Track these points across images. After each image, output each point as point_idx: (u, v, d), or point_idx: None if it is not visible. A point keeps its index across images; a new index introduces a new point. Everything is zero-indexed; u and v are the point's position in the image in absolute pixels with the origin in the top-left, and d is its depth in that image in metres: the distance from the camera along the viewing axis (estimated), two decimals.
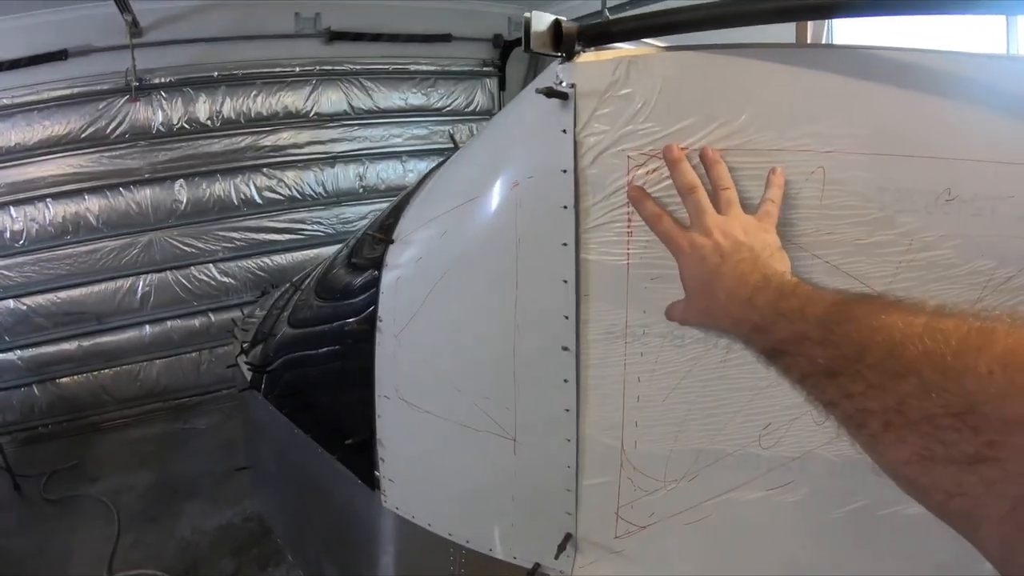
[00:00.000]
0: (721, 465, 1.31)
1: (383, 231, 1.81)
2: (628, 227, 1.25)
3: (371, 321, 1.70)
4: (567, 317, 1.31)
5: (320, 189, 5.23)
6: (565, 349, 1.32)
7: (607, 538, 1.43)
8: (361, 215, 5.30)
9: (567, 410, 1.36)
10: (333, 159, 5.24)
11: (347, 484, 1.94)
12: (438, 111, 5.45)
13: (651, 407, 1.31)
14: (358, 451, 1.85)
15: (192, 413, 5.13)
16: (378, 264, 1.71)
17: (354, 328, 1.93)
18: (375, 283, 1.71)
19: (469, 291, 1.50)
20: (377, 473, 1.76)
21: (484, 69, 5.60)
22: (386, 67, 5.15)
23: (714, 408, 1.28)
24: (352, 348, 1.95)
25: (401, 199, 2.01)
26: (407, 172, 5.41)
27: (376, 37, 5.04)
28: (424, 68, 5.25)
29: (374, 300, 1.70)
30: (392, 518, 1.79)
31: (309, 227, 5.28)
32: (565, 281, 1.29)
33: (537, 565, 1.52)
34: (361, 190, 5.33)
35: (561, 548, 1.44)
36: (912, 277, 1.19)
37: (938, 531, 1.26)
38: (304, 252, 5.20)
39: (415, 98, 5.30)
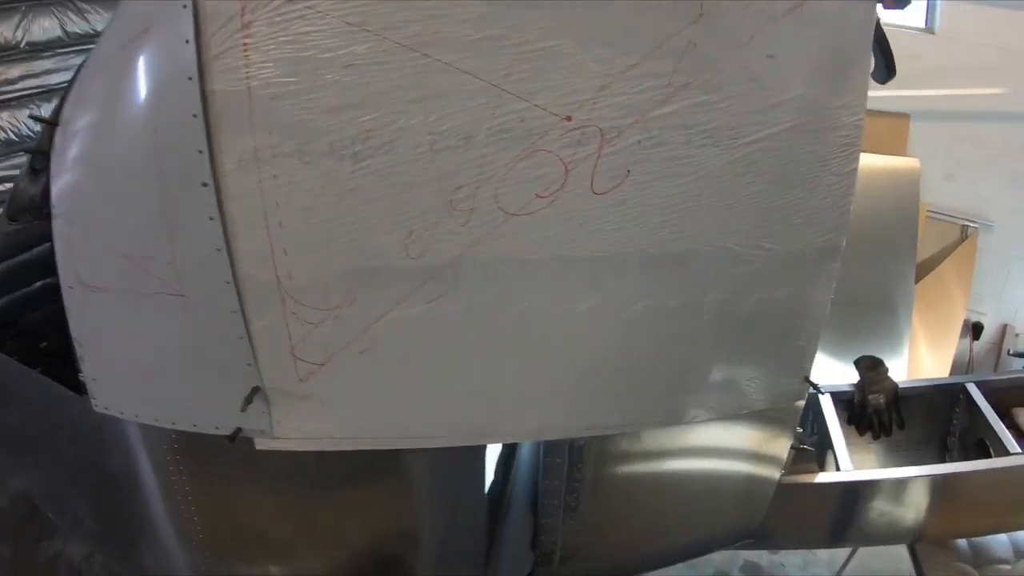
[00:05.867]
0: (376, 283, 1.30)
1: (54, 116, 1.68)
2: (245, 51, 1.20)
3: (48, 211, 1.54)
4: (201, 151, 1.25)
5: (38, 128, 4.69)
6: (204, 185, 1.26)
7: (292, 383, 1.40)
8: None
9: (218, 249, 1.29)
10: (49, 93, 4.57)
11: (65, 402, 1.74)
12: None
13: (295, 232, 1.27)
14: (61, 359, 1.68)
15: None
16: (47, 150, 1.55)
17: (35, 225, 1.73)
18: (47, 170, 1.55)
19: (120, 151, 1.38)
20: (81, 376, 1.61)
21: None
22: None
23: (355, 222, 1.26)
24: (37, 247, 1.77)
25: (69, 82, 1.86)
26: None
27: None
28: None
29: (48, 188, 1.54)
30: (111, 423, 1.64)
31: None
32: (195, 115, 1.23)
33: (239, 430, 1.48)
34: None
35: (248, 401, 1.40)
36: (529, 68, 1.22)
37: (606, 326, 1.41)
38: None
39: None
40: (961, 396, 2.08)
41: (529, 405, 1.42)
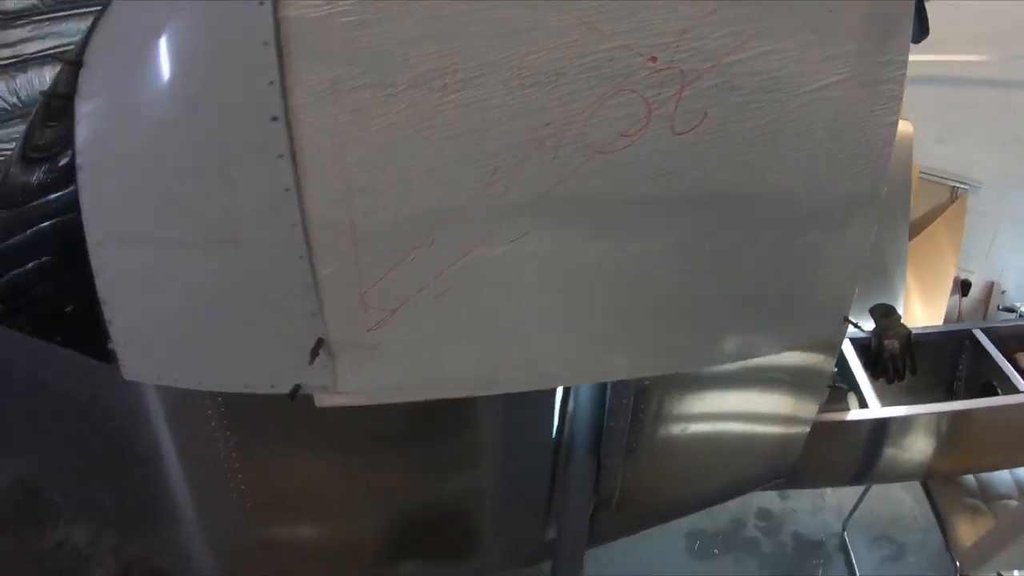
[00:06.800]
0: (457, 223, 1.27)
1: (77, 56, 1.51)
2: None
3: (71, 164, 1.40)
4: (272, 83, 1.16)
5: (14, 99, 4.30)
6: (274, 119, 1.18)
7: (360, 333, 1.34)
8: None
9: (287, 190, 1.21)
10: (25, 63, 4.31)
11: (85, 373, 1.60)
12: None
13: (374, 169, 1.21)
14: (83, 325, 1.54)
15: None
16: (70, 96, 1.39)
17: (52, 179, 1.55)
18: (70, 118, 1.39)
19: (170, 86, 1.27)
20: (109, 343, 1.48)
21: None
22: None
23: (438, 158, 1.21)
24: (55, 203, 1.56)
25: (94, 20, 1.68)
26: None
27: None
28: None
29: (70, 138, 1.39)
30: (142, 393, 1.55)
31: (7, 145, 4.30)
32: (265, 43, 1.15)
33: (297, 387, 1.40)
34: None
35: (315, 353, 1.33)
36: (620, 7, 1.18)
37: (678, 264, 1.41)
38: None
39: None
40: (967, 342, 2.24)
41: (604, 345, 1.42)
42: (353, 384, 1.39)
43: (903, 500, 2.92)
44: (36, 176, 1.73)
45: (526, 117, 1.22)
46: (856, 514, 2.80)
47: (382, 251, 1.27)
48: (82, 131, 1.38)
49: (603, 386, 1.55)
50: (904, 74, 1.48)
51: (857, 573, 2.63)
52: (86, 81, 1.38)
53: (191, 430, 1.56)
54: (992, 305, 3.87)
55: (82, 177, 1.39)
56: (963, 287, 3.89)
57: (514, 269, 1.31)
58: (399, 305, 1.32)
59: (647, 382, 1.55)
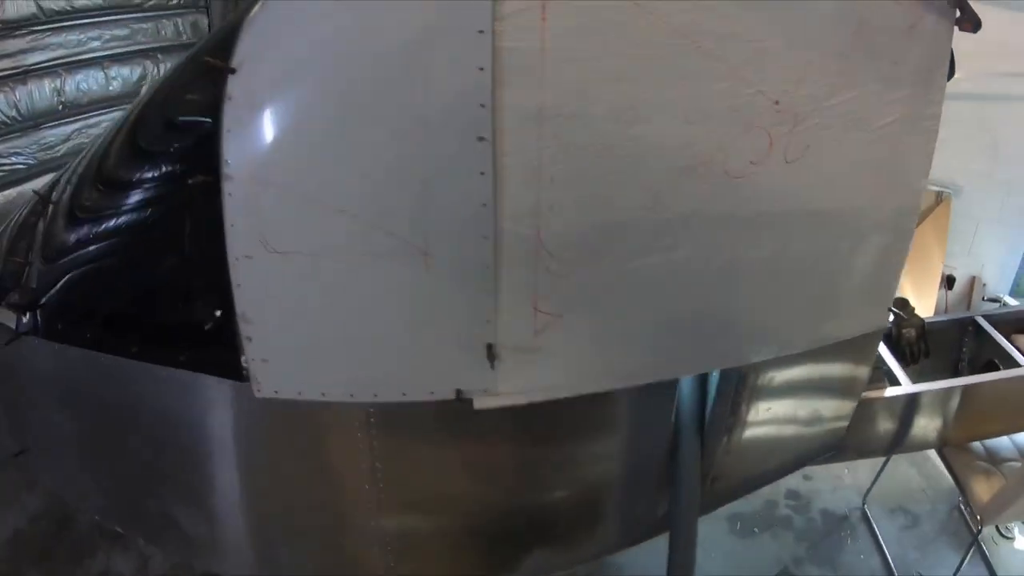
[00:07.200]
0: (623, 236, 1.47)
1: (219, 58, 1.43)
2: (543, 14, 1.28)
3: (211, 172, 1.41)
4: (483, 106, 1.29)
5: (13, 112, 4.19)
6: (481, 139, 1.31)
7: (527, 337, 1.49)
8: (64, 137, 4.45)
9: (484, 205, 1.35)
10: (24, 74, 4.21)
11: (198, 395, 1.61)
12: (139, 7, 4.70)
13: (563, 188, 1.38)
14: (208, 345, 1.54)
15: None
16: (214, 101, 1.40)
17: (182, 189, 1.52)
18: (212, 125, 1.40)
19: (361, 95, 1.35)
20: (244, 359, 1.49)
21: None
22: None
23: (615, 181, 1.41)
24: (182, 216, 1.57)
25: (233, 23, 1.54)
26: (111, 80, 4.65)
27: None
28: None
29: (213, 146, 1.40)
30: (270, 412, 1.56)
31: (6, 160, 4.20)
32: (481, 69, 1.28)
33: (459, 392, 1.50)
34: (61, 107, 4.40)
35: (492, 358, 1.45)
36: (757, 60, 1.42)
37: (781, 267, 1.65)
38: (5, 192, 4.15)
39: None
40: (970, 328, 2.66)
41: (722, 338, 1.67)
42: (512, 385, 1.52)
43: (912, 476, 3.37)
44: (77, 235, 1.78)
45: (683, 149, 1.45)
46: (872, 490, 3.20)
47: (559, 261, 1.44)
48: (235, 141, 1.40)
49: (704, 376, 1.78)
50: (940, 111, 1.82)
51: (881, 541, 3.02)
52: (241, 88, 1.39)
53: (330, 446, 1.63)
54: (975, 297, 4.35)
55: (232, 189, 1.42)
56: (948, 282, 4.33)
57: (662, 275, 1.52)
58: (566, 310, 1.49)
59: (744, 370, 1.79)
